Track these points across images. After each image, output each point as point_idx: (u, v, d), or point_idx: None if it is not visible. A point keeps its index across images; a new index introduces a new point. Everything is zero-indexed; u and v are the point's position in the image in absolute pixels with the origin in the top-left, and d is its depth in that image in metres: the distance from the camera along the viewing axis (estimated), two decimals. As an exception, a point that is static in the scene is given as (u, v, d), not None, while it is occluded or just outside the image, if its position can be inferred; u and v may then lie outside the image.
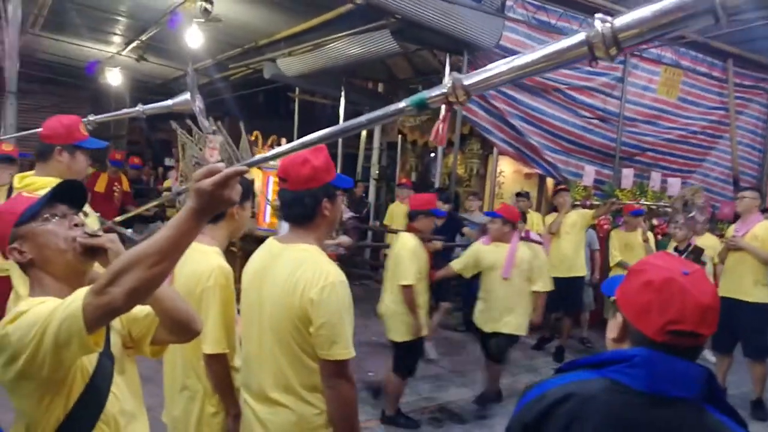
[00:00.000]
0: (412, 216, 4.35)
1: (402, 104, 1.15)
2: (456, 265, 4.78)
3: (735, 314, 5.06)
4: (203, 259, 2.15)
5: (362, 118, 1.19)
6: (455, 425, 4.45)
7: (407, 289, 4.10)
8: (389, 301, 4.28)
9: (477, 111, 7.33)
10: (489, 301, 4.61)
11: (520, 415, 1.31)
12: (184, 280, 2.12)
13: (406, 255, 4.13)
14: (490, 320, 4.60)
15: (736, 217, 5.91)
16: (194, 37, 7.27)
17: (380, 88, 10.55)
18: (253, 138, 5.98)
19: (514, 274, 4.52)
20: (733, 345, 5.25)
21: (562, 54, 1.00)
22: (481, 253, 4.63)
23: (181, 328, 1.59)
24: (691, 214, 5.49)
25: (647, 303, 1.20)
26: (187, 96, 2.94)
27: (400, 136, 10.44)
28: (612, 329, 1.30)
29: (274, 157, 1.32)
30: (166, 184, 8.48)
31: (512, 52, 7.21)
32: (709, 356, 6.07)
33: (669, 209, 7.35)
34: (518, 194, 7.21)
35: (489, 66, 1.08)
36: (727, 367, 5.32)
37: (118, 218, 2.82)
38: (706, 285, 1.19)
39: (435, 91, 1.12)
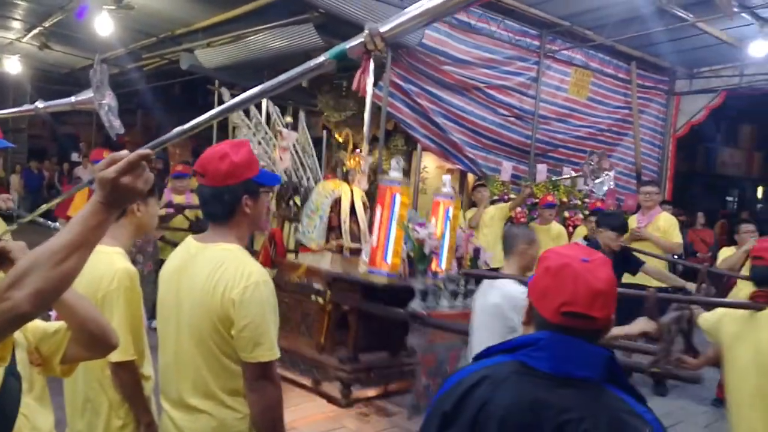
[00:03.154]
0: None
1: (321, 58, 1.15)
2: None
3: (637, 299, 5.41)
4: (104, 260, 2.01)
5: (284, 76, 1.16)
6: (383, 418, 4.50)
7: None
8: None
9: (401, 108, 7.41)
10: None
11: (439, 403, 1.34)
12: (84, 285, 1.93)
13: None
14: None
15: (638, 209, 6.31)
16: (104, 25, 6.92)
17: (304, 82, 10.43)
18: (341, 140, 5.31)
19: None
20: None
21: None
22: (727, 319, 2.74)
23: (96, 342, 1.50)
24: (599, 179, 5.78)
25: (545, 287, 1.29)
26: (90, 93, 2.71)
27: (324, 131, 10.38)
28: (523, 313, 1.40)
29: (184, 134, 1.23)
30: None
31: (434, 51, 7.36)
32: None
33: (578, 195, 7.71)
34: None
35: (402, 12, 1.13)
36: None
37: (41, 209, 2.60)
38: (602, 272, 1.25)
39: (353, 41, 1.14)
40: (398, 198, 4.09)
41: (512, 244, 3.03)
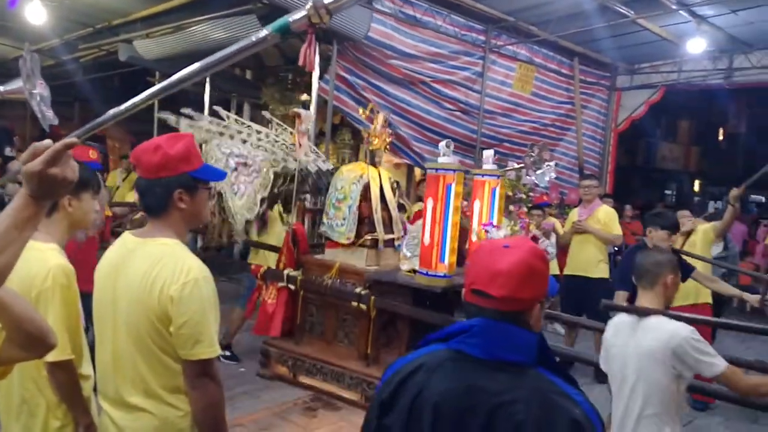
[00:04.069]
0: None
1: (264, 32, 1.12)
2: None
3: (580, 289, 5.60)
4: (38, 257, 1.95)
5: (225, 51, 1.14)
6: (330, 413, 4.48)
7: None
8: None
9: (347, 101, 7.38)
10: None
11: (378, 393, 1.38)
12: (17, 283, 1.86)
13: None
14: None
15: (580, 202, 6.50)
16: (37, 15, 6.62)
17: (248, 75, 10.26)
18: (368, 110, 4.60)
19: None
20: (579, 317, 5.81)
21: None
22: None
23: (33, 342, 1.42)
24: (540, 170, 5.91)
25: (465, 270, 1.41)
26: (20, 83, 2.59)
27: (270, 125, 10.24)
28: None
29: (120, 116, 1.18)
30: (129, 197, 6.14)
31: (381, 44, 7.36)
32: (559, 328, 6.69)
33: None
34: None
35: None
36: (575, 337, 5.89)
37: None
38: (511, 256, 1.30)
39: (297, 14, 1.12)
40: (453, 188, 3.51)
41: (657, 273, 2.46)
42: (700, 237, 5.32)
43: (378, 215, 4.06)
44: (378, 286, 3.76)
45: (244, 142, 4.27)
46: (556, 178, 9.46)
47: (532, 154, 5.22)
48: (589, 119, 10.52)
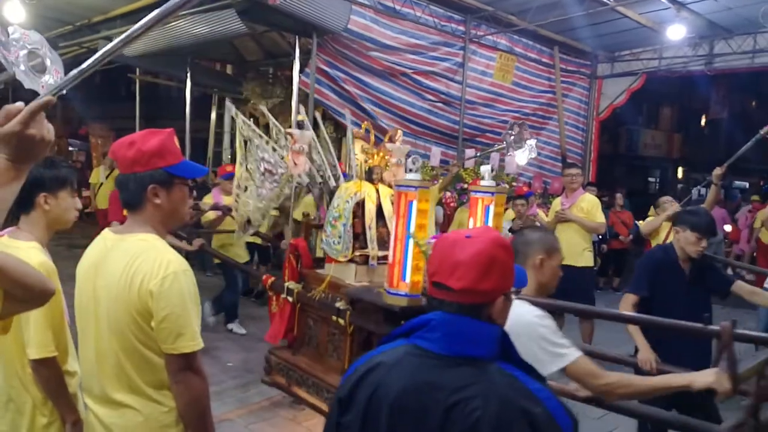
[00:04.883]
0: None
1: None
2: None
3: (565, 278, 5.61)
4: (21, 256, 1.92)
5: None
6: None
7: None
8: None
9: (329, 94, 7.38)
10: None
11: (338, 391, 1.35)
12: None
13: None
14: None
15: (563, 191, 6.56)
16: (16, 13, 6.56)
17: (229, 69, 10.21)
18: (363, 129, 4.55)
19: None
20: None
21: None
22: None
23: (34, 293, 1.42)
24: (521, 149, 5.95)
25: (428, 262, 1.37)
26: None
27: (251, 119, 10.21)
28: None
29: (86, 72, 1.16)
30: (206, 200, 6.14)
31: (360, 36, 7.36)
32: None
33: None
34: None
35: None
36: (561, 326, 5.94)
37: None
38: (471, 247, 1.25)
39: None
40: (414, 205, 3.28)
41: (526, 253, 2.26)
42: None
43: (372, 232, 4.05)
44: (356, 302, 3.73)
45: (275, 150, 4.26)
46: (539, 167, 9.57)
47: (512, 132, 5.16)
48: (571, 108, 10.57)
